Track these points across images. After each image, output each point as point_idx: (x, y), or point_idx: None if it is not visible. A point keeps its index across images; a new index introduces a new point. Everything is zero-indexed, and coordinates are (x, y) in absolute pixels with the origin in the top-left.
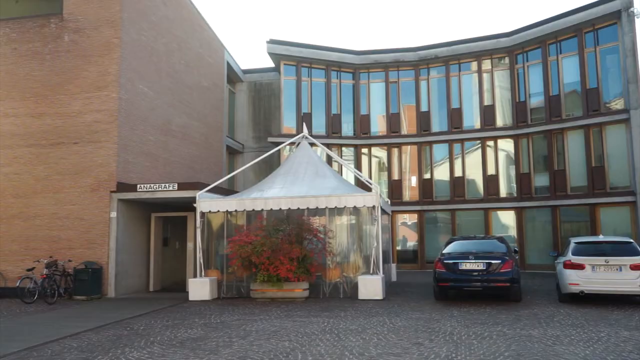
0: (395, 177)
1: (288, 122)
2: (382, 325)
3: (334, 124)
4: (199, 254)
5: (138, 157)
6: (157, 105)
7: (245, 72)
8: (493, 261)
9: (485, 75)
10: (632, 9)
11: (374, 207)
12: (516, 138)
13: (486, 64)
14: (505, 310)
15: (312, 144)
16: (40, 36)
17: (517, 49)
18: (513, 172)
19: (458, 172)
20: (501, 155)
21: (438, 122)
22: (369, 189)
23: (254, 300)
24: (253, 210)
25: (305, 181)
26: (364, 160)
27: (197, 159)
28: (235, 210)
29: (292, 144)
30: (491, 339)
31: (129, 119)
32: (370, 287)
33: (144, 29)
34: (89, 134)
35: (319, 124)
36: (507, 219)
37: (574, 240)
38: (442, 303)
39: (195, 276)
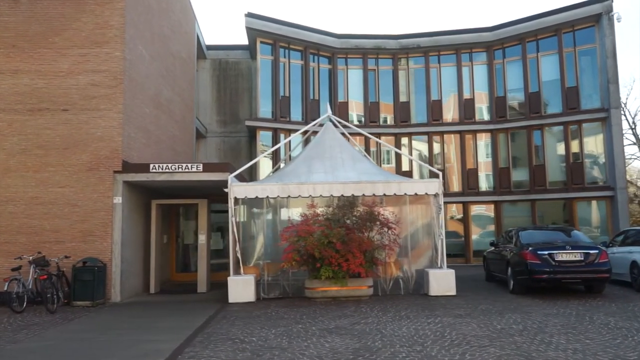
0: None
1: (264, 105)
2: (541, 323)
3: (312, 110)
4: (237, 248)
5: (138, 132)
6: (151, 73)
7: (209, 48)
8: (591, 251)
9: (464, 69)
10: (612, 12)
11: (436, 194)
12: (495, 132)
13: (465, 57)
14: (613, 302)
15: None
16: None
17: (496, 45)
18: (492, 166)
19: (437, 165)
20: (480, 149)
21: (417, 114)
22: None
23: (311, 300)
24: (299, 196)
25: (347, 166)
26: None
27: (177, 140)
28: (278, 197)
29: (304, 130)
30: None
31: (131, 84)
32: (443, 282)
33: None
34: (83, 99)
35: (296, 111)
36: (485, 212)
37: None
38: (534, 297)
39: (206, 275)
